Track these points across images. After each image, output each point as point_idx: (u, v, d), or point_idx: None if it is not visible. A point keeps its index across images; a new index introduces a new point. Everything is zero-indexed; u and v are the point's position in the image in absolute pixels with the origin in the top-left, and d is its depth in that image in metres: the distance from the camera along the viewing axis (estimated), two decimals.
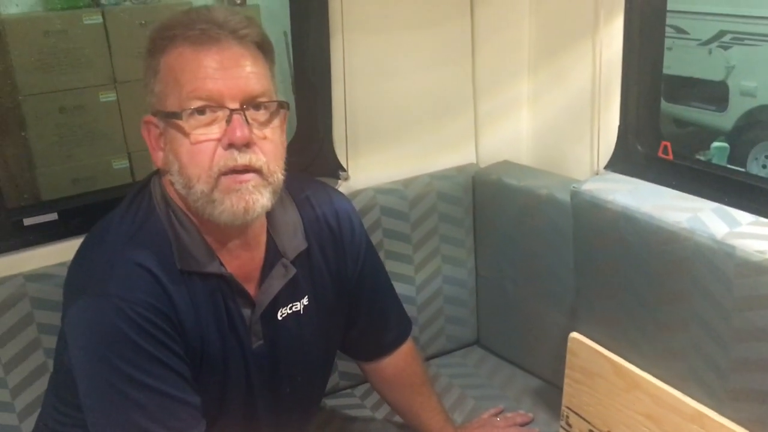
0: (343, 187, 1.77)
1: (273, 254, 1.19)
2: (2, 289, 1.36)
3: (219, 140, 1.03)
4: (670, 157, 1.50)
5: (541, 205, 1.67)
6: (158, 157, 1.10)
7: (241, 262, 1.16)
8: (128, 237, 1.09)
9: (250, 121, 1.04)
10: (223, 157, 1.03)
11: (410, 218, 1.81)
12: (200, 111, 1.03)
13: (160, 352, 1.04)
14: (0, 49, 2.99)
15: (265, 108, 1.07)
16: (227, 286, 1.14)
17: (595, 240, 1.41)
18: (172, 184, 1.10)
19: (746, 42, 4.71)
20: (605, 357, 1.44)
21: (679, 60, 4.87)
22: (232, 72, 1.03)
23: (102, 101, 3.29)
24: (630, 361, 1.39)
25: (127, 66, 3.17)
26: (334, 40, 1.64)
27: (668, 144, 1.48)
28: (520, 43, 1.80)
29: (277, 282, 1.19)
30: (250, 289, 1.18)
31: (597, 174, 1.64)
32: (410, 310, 1.85)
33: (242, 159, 1.03)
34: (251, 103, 1.05)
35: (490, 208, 1.83)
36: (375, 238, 1.77)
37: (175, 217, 1.12)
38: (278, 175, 1.09)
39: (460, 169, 1.88)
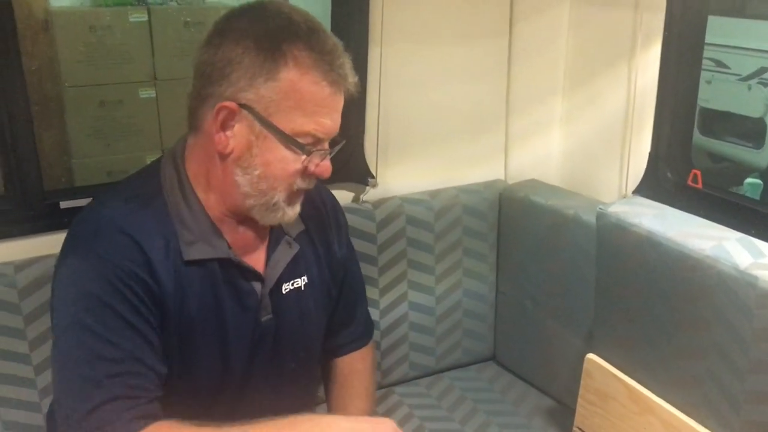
0: (370, 194, 1.79)
1: (277, 233, 1.28)
2: (35, 268, 1.40)
3: (305, 167, 1.15)
4: (700, 185, 1.50)
5: (567, 225, 1.67)
6: (225, 144, 1.12)
7: (249, 240, 1.24)
8: (124, 206, 1.15)
9: None
10: (305, 182, 1.17)
11: (435, 229, 1.82)
12: (310, 145, 1.13)
13: (132, 317, 1.09)
14: (47, 39, 3.06)
15: None
16: (235, 266, 1.20)
17: (618, 262, 1.41)
18: (208, 169, 1.16)
19: None
20: (620, 380, 1.44)
21: (718, 94, 4.82)
22: (338, 116, 1.15)
23: (141, 97, 3.36)
24: (645, 386, 1.39)
25: (168, 64, 3.23)
26: (372, 50, 1.66)
27: (698, 172, 1.48)
28: (556, 63, 1.81)
29: (284, 257, 1.27)
30: (258, 265, 1.24)
31: (624, 197, 1.64)
32: (429, 320, 1.87)
33: (312, 185, 1.20)
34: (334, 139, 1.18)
35: (516, 225, 1.84)
36: (399, 247, 1.79)
37: (188, 205, 1.17)
38: None
39: (487, 185, 1.89)
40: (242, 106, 1.10)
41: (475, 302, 1.91)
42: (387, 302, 1.81)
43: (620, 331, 1.44)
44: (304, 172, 1.15)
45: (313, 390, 1.48)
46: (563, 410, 1.76)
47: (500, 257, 1.91)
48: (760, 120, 4.76)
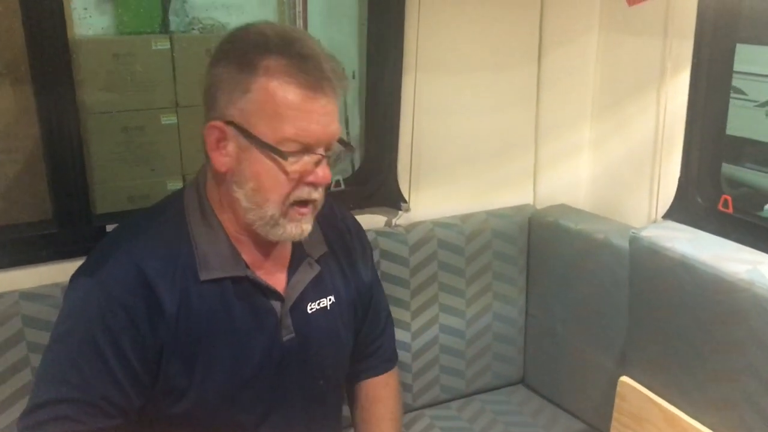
0: (402, 219, 1.83)
1: (299, 254, 1.29)
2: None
3: (301, 175, 1.13)
4: (731, 210, 1.52)
5: (597, 249, 1.70)
6: (222, 162, 1.15)
7: (270, 262, 1.26)
8: (138, 232, 1.19)
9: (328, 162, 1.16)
10: (304, 191, 1.15)
11: (465, 253, 1.85)
12: (297, 153, 1.12)
13: (111, 351, 1.12)
14: (71, 67, 3.13)
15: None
16: (252, 285, 1.22)
17: (652, 286, 1.43)
18: (216, 188, 1.19)
19: None
20: (655, 403, 1.45)
21: (735, 120, 4.83)
22: (327, 118, 1.13)
23: (163, 123, 3.42)
24: (679, 408, 1.41)
25: (189, 91, 3.29)
26: (406, 77, 1.71)
27: (729, 198, 1.50)
28: (585, 90, 1.85)
29: (304, 277, 1.28)
30: (279, 285, 1.26)
31: (655, 222, 1.67)
32: (459, 343, 1.89)
33: (316, 194, 1.17)
34: (331, 145, 1.16)
35: (545, 249, 1.87)
36: (430, 270, 1.82)
37: (208, 225, 1.20)
38: (320, 203, 1.21)
39: (516, 209, 1.92)
40: (227, 123, 1.13)
41: (504, 325, 1.93)
42: (418, 325, 1.84)
43: (654, 354, 1.46)
44: (300, 181, 1.14)
45: (339, 411, 1.49)
46: None
47: (530, 281, 1.93)
48: None
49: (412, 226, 1.81)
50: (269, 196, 1.14)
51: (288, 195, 1.14)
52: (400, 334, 1.75)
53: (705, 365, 1.34)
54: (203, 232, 1.20)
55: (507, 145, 1.90)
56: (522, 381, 2.00)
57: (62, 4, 1.37)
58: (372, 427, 1.47)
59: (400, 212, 1.82)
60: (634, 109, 1.75)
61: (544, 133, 1.90)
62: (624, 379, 1.53)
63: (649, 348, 1.47)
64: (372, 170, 1.79)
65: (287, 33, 1.14)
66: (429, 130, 1.79)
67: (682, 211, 1.63)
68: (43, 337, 1.33)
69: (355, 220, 1.47)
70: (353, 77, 4.17)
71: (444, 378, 1.89)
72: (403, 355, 1.79)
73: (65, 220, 1.47)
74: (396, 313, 1.78)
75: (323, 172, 1.14)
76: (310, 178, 1.14)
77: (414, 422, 1.83)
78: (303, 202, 1.16)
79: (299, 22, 3.96)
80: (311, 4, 3.93)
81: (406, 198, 1.81)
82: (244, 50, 1.13)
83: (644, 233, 1.43)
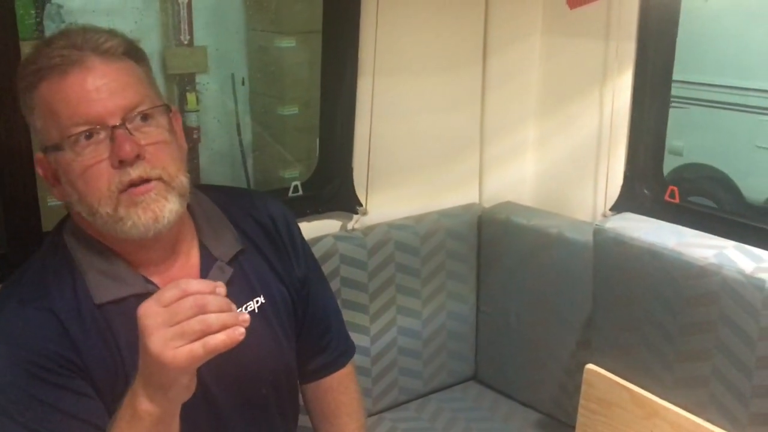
0: (359, 222, 1.81)
1: (207, 259, 1.19)
2: None
3: (109, 160, 1.03)
4: (677, 200, 1.62)
5: (551, 243, 1.76)
6: (58, 192, 1.10)
7: (174, 273, 1.15)
8: (23, 280, 1.10)
9: (134, 132, 1.04)
10: (117, 175, 1.03)
11: (420, 253, 1.86)
12: (85, 136, 1.02)
13: (57, 400, 1.04)
14: None
15: (149, 116, 1.07)
16: None
17: (617, 275, 1.50)
18: (79, 214, 1.10)
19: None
20: (623, 387, 1.52)
21: None
22: (102, 90, 1.03)
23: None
24: (647, 390, 1.48)
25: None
26: (363, 80, 1.70)
27: (676, 189, 1.60)
28: (529, 91, 1.91)
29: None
30: None
31: (604, 216, 1.75)
32: (416, 344, 1.90)
33: (135, 172, 1.04)
34: (131, 114, 1.05)
35: (496, 246, 1.91)
36: (388, 272, 1.82)
37: (89, 247, 1.11)
38: (181, 178, 1.09)
39: (465, 208, 1.96)
40: (42, 150, 1.08)
41: (457, 323, 1.96)
42: (377, 328, 1.83)
43: (620, 340, 1.53)
44: (111, 166, 1.03)
45: (293, 420, 1.38)
46: (553, 423, 1.83)
47: (480, 278, 1.97)
48: None
49: (369, 230, 1.80)
50: (91, 197, 1.04)
51: (107, 187, 1.03)
52: (359, 339, 1.73)
53: (674, 346, 1.41)
54: (90, 259, 1.10)
55: (454, 146, 1.94)
56: (474, 377, 2.03)
57: None
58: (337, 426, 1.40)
59: (356, 216, 1.80)
60: (577, 108, 1.83)
61: (489, 133, 1.95)
62: (590, 366, 1.59)
63: (615, 335, 1.54)
64: (328, 175, 1.77)
65: (54, 35, 1.08)
66: (381, 132, 1.79)
67: (629, 203, 1.72)
68: None
69: (280, 206, 1.33)
70: (243, 84, 4.10)
71: (402, 380, 1.90)
72: (362, 360, 1.78)
73: (14, 239, 1.35)
74: (355, 317, 1.77)
75: (127, 146, 1.01)
76: (114, 158, 1.02)
77: (375, 427, 1.82)
78: (136, 184, 1.04)
79: (184, 28, 3.85)
80: (197, 13, 3.84)
81: (362, 202, 1.80)
82: (20, 74, 1.07)
83: (608, 225, 1.50)
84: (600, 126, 1.77)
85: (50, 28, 3.54)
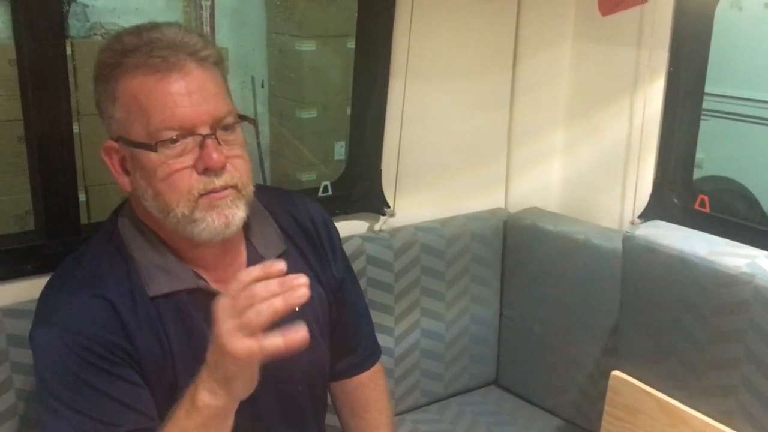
0: (386, 224, 1.82)
1: (253, 258, 1.22)
2: None
3: (194, 166, 1.06)
4: (707, 209, 1.62)
5: (578, 249, 1.76)
6: (125, 182, 1.12)
7: (223, 271, 1.18)
8: (80, 267, 1.12)
9: (221, 142, 1.07)
10: (202, 182, 1.06)
11: (446, 256, 1.87)
12: (173, 141, 1.05)
13: (108, 386, 1.06)
14: None
15: (232, 128, 1.10)
16: (207, 295, 1.14)
17: (646, 282, 1.50)
18: (143, 207, 1.12)
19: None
20: (650, 394, 1.52)
21: None
22: (198, 97, 1.05)
23: None
24: (674, 399, 1.48)
25: (91, 99, 3.14)
26: (395, 83, 1.71)
27: (706, 198, 1.60)
28: (557, 97, 1.92)
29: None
30: None
31: (632, 223, 1.75)
32: (438, 347, 1.90)
33: (220, 181, 1.07)
34: (220, 125, 1.08)
35: (522, 251, 1.91)
36: (413, 275, 1.83)
37: (145, 240, 1.14)
38: (250, 188, 1.13)
39: (491, 212, 1.97)
40: (116, 139, 1.09)
41: (480, 327, 1.96)
42: (401, 329, 1.84)
43: (647, 347, 1.53)
44: (195, 171, 1.06)
45: (323, 418, 1.42)
46: (575, 429, 1.84)
47: (504, 282, 1.97)
48: None
49: (396, 231, 1.81)
50: (169, 197, 1.06)
51: (189, 191, 1.06)
52: (383, 340, 1.74)
53: (702, 354, 1.41)
54: (144, 251, 1.14)
55: (481, 150, 1.95)
56: (495, 382, 2.04)
57: None
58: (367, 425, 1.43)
59: (383, 217, 1.81)
60: (606, 115, 1.83)
61: (516, 138, 1.96)
62: (616, 373, 1.59)
63: (642, 342, 1.54)
64: (357, 176, 1.78)
65: (141, 26, 1.10)
66: (410, 135, 1.80)
67: (658, 211, 1.72)
68: (29, 357, 1.23)
69: (319, 208, 1.37)
70: (262, 86, 4.11)
71: (424, 382, 1.90)
72: (386, 361, 1.78)
73: (53, 230, 1.37)
74: (380, 318, 1.78)
75: (209, 155, 1.04)
76: (201, 165, 1.05)
77: (397, 427, 1.81)
78: (216, 190, 1.08)
79: (207, 30, 3.88)
80: (219, 12, 3.87)
81: (390, 203, 1.81)
82: (105, 60, 1.09)
83: (638, 232, 1.50)
84: (629, 134, 1.78)
85: (75, 28, 3.58)
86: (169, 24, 1.10)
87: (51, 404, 1.06)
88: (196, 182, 1.06)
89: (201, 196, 1.06)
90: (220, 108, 1.08)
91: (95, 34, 3.56)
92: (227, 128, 1.09)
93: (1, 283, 1.34)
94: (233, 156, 1.09)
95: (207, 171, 1.06)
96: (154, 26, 1.09)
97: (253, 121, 1.17)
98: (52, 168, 1.34)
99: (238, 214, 1.10)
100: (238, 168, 1.10)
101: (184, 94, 1.04)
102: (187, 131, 1.05)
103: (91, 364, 1.05)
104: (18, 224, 3.01)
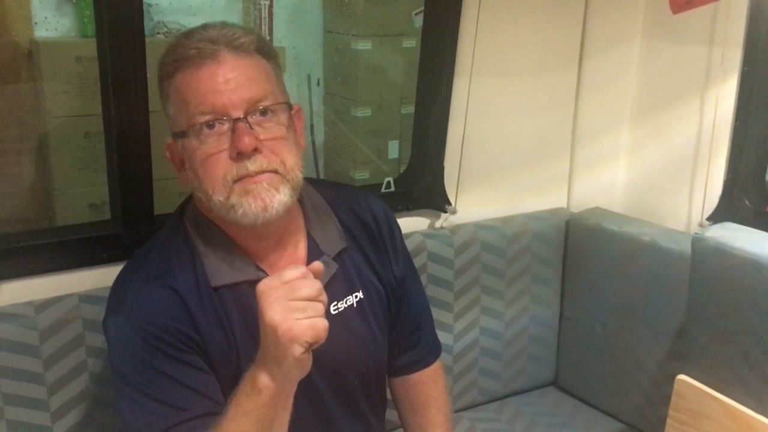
0: (447, 221, 1.83)
1: (314, 252, 1.24)
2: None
3: (228, 150, 1.08)
4: None
5: (643, 251, 1.73)
6: (183, 177, 1.17)
7: (283, 264, 1.20)
8: (150, 256, 1.17)
9: (254, 126, 1.08)
10: (235, 167, 1.08)
11: (506, 255, 1.86)
12: (208, 125, 1.07)
13: (167, 366, 1.10)
14: (31, 70, 3.02)
15: (271, 111, 1.11)
16: None
17: (716, 285, 1.47)
18: (200, 199, 1.16)
19: None
20: (717, 399, 1.48)
21: None
22: (231, 82, 1.07)
23: None
24: (742, 404, 1.44)
25: (155, 96, 3.21)
26: (459, 81, 1.71)
27: None
28: (624, 96, 1.89)
29: (321, 278, 1.22)
30: None
31: (701, 225, 1.72)
32: (497, 345, 1.90)
33: (253, 166, 1.08)
34: (254, 109, 1.09)
35: (584, 251, 1.89)
36: (473, 272, 1.82)
37: (209, 232, 1.18)
38: (296, 172, 1.13)
39: (553, 212, 1.95)
40: (173, 136, 1.14)
41: (539, 327, 1.95)
42: (460, 327, 1.84)
43: (715, 352, 1.49)
44: (230, 157, 1.08)
45: (381, 413, 1.44)
46: None
47: (565, 283, 1.95)
48: None
49: (457, 228, 1.81)
50: (207, 183, 1.09)
51: (223, 176, 1.08)
52: (443, 337, 1.73)
53: None
54: (208, 243, 1.17)
55: (544, 149, 1.93)
56: (554, 383, 2.02)
57: None
58: (426, 423, 1.44)
59: (445, 215, 1.82)
60: (674, 115, 1.80)
61: (581, 137, 1.94)
62: (681, 377, 1.56)
63: (710, 346, 1.51)
64: (419, 173, 1.79)
65: (193, 27, 1.13)
66: (473, 133, 1.80)
67: (727, 213, 1.68)
68: (103, 341, 1.28)
69: (381, 204, 1.37)
70: (318, 85, 4.15)
71: (482, 380, 1.90)
72: (445, 358, 1.76)
73: (129, 220, 1.41)
74: (440, 315, 1.78)
75: (246, 139, 1.06)
76: (233, 149, 1.07)
77: (454, 425, 1.82)
78: (251, 175, 1.09)
79: (265, 28, 3.93)
80: (277, 14, 3.92)
81: (452, 201, 1.81)
82: (160, 62, 1.14)
83: (708, 234, 1.47)
84: (699, 134, 1.74)
85: None
86: (215, 23, 1.13)
87: (124, 389, 1.11)
88: (229, 167, 1.08)
89: (235, 182, 1.08)
90: (255, 92, 1.09)
91: (158, 33, 3.64)
92: (266, 113, 1.10)
93: (78, 270, 1.39)
94: (271, 139, 1.10)
95: (240, 155, 1.07)
96: (202, 26, 1.13)
97: (295, 107, 1.19)
98: (130, 161, 1.38)
99: (278, 197, 1.09)
100: (278, 151, 1.10)
101: (218, 81, 1.07)
102: (220, 115, 1.07)
103: (160, 352, 1.10)
104: (92, 215, 3.11)
